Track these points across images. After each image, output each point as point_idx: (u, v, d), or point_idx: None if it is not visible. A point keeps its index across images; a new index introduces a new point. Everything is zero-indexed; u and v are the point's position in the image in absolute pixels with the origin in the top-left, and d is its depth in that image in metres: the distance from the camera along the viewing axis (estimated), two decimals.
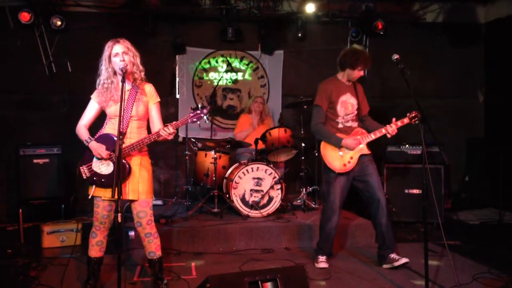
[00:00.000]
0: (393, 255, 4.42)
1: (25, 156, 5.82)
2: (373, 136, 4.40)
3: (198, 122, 3.56)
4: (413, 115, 4.16)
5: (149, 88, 3.66)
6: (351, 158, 4.39)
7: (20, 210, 5.45)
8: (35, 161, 5.85)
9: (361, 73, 4.47)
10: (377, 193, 4.41)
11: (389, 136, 4.31)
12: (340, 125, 4.50)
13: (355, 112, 4.54)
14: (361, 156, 4.43)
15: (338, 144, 4.39)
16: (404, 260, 4.33)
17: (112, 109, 3.53)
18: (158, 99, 3.70)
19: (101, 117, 3.68)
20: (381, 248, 4.52)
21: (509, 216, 6.51)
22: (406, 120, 4.23)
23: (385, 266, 4.46)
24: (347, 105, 4.49)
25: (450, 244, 5.12)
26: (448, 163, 6.30)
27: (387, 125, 4.31)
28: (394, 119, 4.28)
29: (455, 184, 7.61)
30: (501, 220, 6.40)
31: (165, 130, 3.41)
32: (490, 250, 5.13)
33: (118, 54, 3.46)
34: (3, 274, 4.25)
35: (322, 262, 4.52)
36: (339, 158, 4.41)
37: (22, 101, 6.65)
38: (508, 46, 7.12)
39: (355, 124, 4.54)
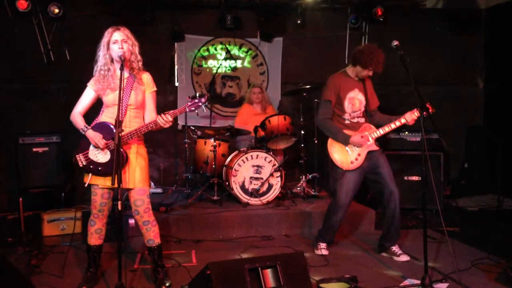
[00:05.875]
0: (395, 248, 4.41)
1: (24, 144, 5.80)
2: (381, 132, 4.30)
3: (196, 111, 3.56)
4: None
5: (146, 76, 3.65)
6: (359, 155, 4.32)
7: (20, 199, 5.46)
8: (34, 149, 5.84)
9: (370, 73, 4.32)
10: (390, 184, 4.32)
11: (411, 123, 4.17)
12: (347, 121, 4.41)
13: (363, 109, 4.44)
14: (370, 151, 4.35)
15: (345, 142, 4.30)
16: (405, 258, 4.32)
17: (109, 98, 3.52)
18: (155, 88, 3.70)
19: (94, 105, 3.68)
20: (384, 239, 4.50)
21: (508, 203, 6.53)
22: (417, 113, 4.11)
23: (384, 254, 4.49)
24: (355, 101, 4.39)
25: (449, 231, 5.17)
26: (448, 150, 6.30)
27: (406, 113, 4.17)
28: (415, 108, 4.13)
29: (455, 171, 7.62)
30: (500, 207, 6.42)
31: (162, 119, 3.42)
32: (489, 236, 5.16)
33: (117, 42, 3.44)
34: (4, 263, 4.27)
35: (322, 249, 4.54)
36: (346, 155, 4.33)
37: (20, 90, 6.62)
38: (509, 32, 7.08)
39: (362, 120, 4.44)
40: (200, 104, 3.51)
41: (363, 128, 4.39)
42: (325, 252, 4.52)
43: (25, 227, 5.37)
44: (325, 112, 4.41)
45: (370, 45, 4.42)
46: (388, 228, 4.42)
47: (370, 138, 4.31)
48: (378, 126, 4.38)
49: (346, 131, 4.34)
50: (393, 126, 4.27)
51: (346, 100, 4.39)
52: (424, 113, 3.93)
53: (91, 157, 3.51)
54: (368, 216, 5.44)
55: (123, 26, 3.55)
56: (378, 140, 4.45)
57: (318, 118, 4.46)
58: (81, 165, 3.53)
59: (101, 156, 3.49)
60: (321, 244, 4.58)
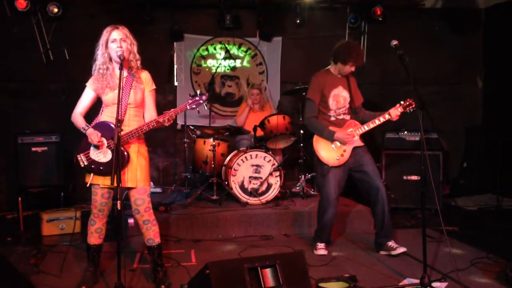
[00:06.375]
0: (390, 243, 4.43)
1: (23, 144, 5.81)
2: (366, 128, 4.40)
3: (197, 109, 3.56)
4: (407, 103, 4.26)
5: (145, 75, 3.65)
6: (344, 151, 4.40)
7: (20, 198, 5.46)
8: (33, 149, 5.84)
9: (352, 69, 4.42)
10: (376, 181, 4.40)
11: (395, 119, 4.28)
12: (332, 118, 4.50)
13: (347, 106, 4.53)
14: (355, 148, 4.43)
15: (331, 138, 4.39)
16: (401, 249, 4.34)
17: (109, 97, 3.52)
18: (154, 86, 3.70)
19: (94, 105, 3.67)
20: (379, 236, 4.53)
21: (507, 202, 6.53)
22: (400, 109, 4.28)
23: (382, 252, 4.49)
24: (339, 98, 4.48)
25: (448, 230, 5.16)
26: (447, 149, 6.31)
27: (390, 109, 4.30)
28: (398, 104, 4.30)
29: (454, 170, 7.63)
30: (499, 206, 6.42)
31: (163, 117, 3.41)
32: (488, 235, 5.16)
33: (116, 40, 3.44)
34: (3, 262, 4.27)
35: (321, 249, 4.54)
36: (332, 152, 4.41)
37: (19, 90, 6.63)
38: (508, 32, 7.09)
39: (347, 117, 4.53)
40: (201, 101, 3.51)
41: (348, 125, 4.48)
42: (323, 252, 4.52)
43: (24, 227, 5.37)
44: (310, 110, 4.51)
45: (347, 41, 4.66)
46: (381, 224, 4.47)
47: (354, 134, 4.39)
48: (363, 123, 4.47)
49: (332, 128, 4.42)
50: (377, 122, 4.37)
51: (331, 97, 4.48)
52: (408, 108, 4.25)
53: (92, 157, 3.50)
54: (366, 215, 5.43)
55: (122, 25, 3.54)
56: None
57: (304, 117, 4.56)
58: (82, 165, 3.52)
59: (103, 156, 3.49)
60: (319, 244, 4.58)
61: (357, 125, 4.46)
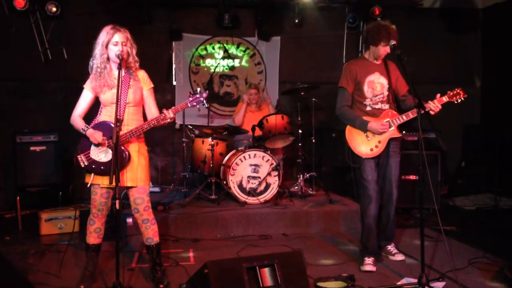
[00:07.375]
0: (390, 247, 4.40)
1: (21, 143, 5.81)
2: (404, 118, 4.04)
3: (198, 106, 3.55)
4: (455, 92, 3.99)
5: (142, 74, 3.66)
6: (379, 142, 4.09)
7: (18, 198, 5.45)
8: (32, 148, 5.84)
9: (387, 49, 4.06)
10: (392, 187, 4.20)
11: (432, 113, 3.93)
12: (368, 108, 4.16)
13: (385, 93, 4.17)
14: (390, 140, 4.13)
15: (364, 128, 4.07)
16: (400, 257, 4.30)
17: (107, 96, 3.52)
18: (152, 85, 3.70)
19: (93, 107, 3.67)
20: (380, 238, 4.43)
21: (505, 202, 6.55)
22: (445, 98, 4.02)
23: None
24: (375, 85, 4.15)
25: (446, 230, 5.17)
26: (445, 149, 6.31)
27: (429, 101, 3.97)
28: (438, 95, 4.00)
29: (452, 170, 7.64)
30: (496, 206, 6.44)
31: (164, 115, 3.42)
32: (486, 235, 5.17)
33: (118, 43, 3.44)
34: (2, 261, 4.27)
35: (368, 264, 4.08)
36: (366, 143, 4.12)
37: (18, 89, 6.63)
38: (506, 32, 7.10)
39: (385, 106, 4.17)
40: (202, 99, 3.52)
41: (384, 115, 4.15)
42: (371, 268, 4.04)
43: (23, 226, 5.36)
44: (342, 99, 4.23)
45: (375, 22, 4.31)
46: (385, 227, 4.39)
47: (391, 124, 4.09)
48: (408, 111, 4.13)
49: (366, 118, 4.13)
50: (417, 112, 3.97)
51: (365, 84, 4.16)
52: (455, 98, 4.01)
53: (92, 157, 3.50)
54: None
55: (124, 27, 3.53)
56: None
57: (336, 108, 4.26)
58: (83, 166, 3.52)
59: (103, 156, 3.49)
60: (367, 259, 4.12)
61: (394, 115, 4.11)
